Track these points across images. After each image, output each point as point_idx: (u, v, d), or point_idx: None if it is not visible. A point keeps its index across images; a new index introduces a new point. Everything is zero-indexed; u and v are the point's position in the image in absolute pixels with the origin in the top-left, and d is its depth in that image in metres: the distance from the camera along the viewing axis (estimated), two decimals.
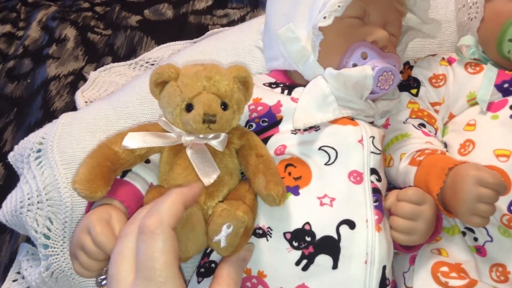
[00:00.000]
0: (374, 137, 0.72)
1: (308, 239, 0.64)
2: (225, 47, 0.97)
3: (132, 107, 0.87)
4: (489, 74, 0.79)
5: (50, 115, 1.14)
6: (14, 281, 0.89)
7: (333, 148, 0.69)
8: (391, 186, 0.80)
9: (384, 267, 0.65)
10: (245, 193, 0.65)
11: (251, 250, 0.64)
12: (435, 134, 0.83)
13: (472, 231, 0.73)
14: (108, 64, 1.19)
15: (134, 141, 0.64)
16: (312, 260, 0.63)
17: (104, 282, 0.61)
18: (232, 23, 1.31)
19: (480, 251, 0.72)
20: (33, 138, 0.85)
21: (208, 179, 0.62)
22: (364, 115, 0.76)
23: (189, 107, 0.63)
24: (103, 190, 0.60)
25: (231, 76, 0.67)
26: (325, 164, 0.69)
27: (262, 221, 0.67)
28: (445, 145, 0.81)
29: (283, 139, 0.72)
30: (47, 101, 1.17)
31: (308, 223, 0.65)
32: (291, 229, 0.65)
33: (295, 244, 0.64)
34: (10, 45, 1.38)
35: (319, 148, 0.70)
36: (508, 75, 0.78)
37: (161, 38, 1.27)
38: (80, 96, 1.08)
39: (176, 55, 1.01)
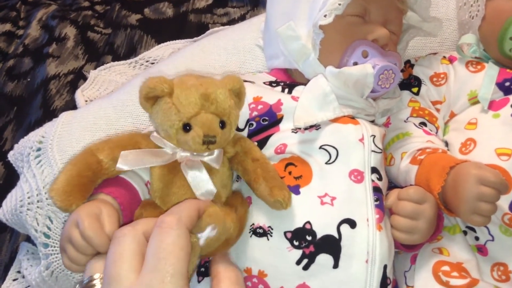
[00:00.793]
0: (375, 136, 0.72)
1: (309, 238, 0.64)
2: (226, 45, 0.96)
3: (132, 106, 0.87)
4: (491, 72, 0.79)
5: (50, 114, 1.14)
6: (14, 280, 0.89)
7: (333, 147, 0.69)
8: (392, 185, 0.80)
9: (385, 266, 0.65)
10: (238, 205, 0.65)
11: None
12: (436, 133, 0.82)
13: (474, 230, 0.73)
14: (108, 63, 1.19)
15: (129, 163, 0.62)
16: (313, 259, 0.63)
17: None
18: (232, 22, 1.31)
19: (481, 250, 0.72)
20: (33, 137, 0.85)
21: (205, 197, 0.62)
22: (365, 113, 0.76)
23: (186, 127, 0.61)
24: (79, 203, 0.59)
25: (226, 89, 0.64)
26: (326, 163, 0.68)
27: (262, 221, 0.66)
28: (446, 144, 0.81)
29: (283, 138, 0.72)
30: (47, 100, 1.17)
31: (308, 222, 0.64)
32: (292, 228, 0.64)
33: (296, 243, 0.64)
34: (10, 44, 1.38)
35: (320, 147, 0.69)
36: (510, 73, 0.78)
37: (161, 37, 1.27)
38: (80, 95, 1.08)
39: (176, 53, 1.01)
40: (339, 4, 0.69)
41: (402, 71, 0.88)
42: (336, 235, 0.64)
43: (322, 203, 0.65)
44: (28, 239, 0.93)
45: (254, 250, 0.65)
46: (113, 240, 0.54)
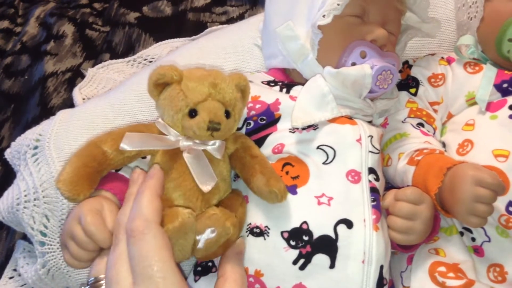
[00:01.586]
0: (372, 136, 0.72)
1: (305, 238, 0.64)
2: (224, 44, 0.96)
3: (130, 104, 0.87)
4: (488, 73, 0.79)
5: (47, 112, 1.13)
6: (10, 278, 0.89)
7: (331, 147, 0.69)
8: (389, 186, 0.80)
9: (381, 267, 0.65)
10: (238, 206, 0.65)
11: (244, 243, 0.64)
12: (434, 133, 0.83)
13: (470, 231, 0.73)
14: (106, 61, 1.19)
15: (133, 143, 0.62)
16: (309, 259, 0.63)
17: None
18: (231, 21, 1.30)
19: (477, 251, 0.72)
20: (30, 134, 0.85)
21: (206, 187, 0.62)
22: (363, 114, 0.76)
23: (192, 113, 0.62)
24: (86, 193, 0.60)
25: (233, 84, 0.66)
26: (323, 163, 0.68)
27: (259, 220, 0.66)
28: (444, 145, 0.81)
29: (281, 137, 0.72)
30: (44, 97, 1.17)
31: (305, 222, 0.64)
32: (289, 228, 0.64)
33: (293, 243, 0.64)
34: (8, 41, 1.37)
35: (317, 147, 0.69)
36: (507, 75, 0.78)
37: (159, 35, 1.26)
38: (77, 93, 1.08)
39: (174, 52, 1.01)
40: (338, 5, 0.69)
41: (400, 71, 0.88)
42: (333, 235, 0.64)
43: (319, 203, 0.65)
44: (25, 237, 0.92)
45: (250, 249, 0.65)
46: (114, 242, 0.54)
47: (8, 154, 0.87)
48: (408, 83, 0.87)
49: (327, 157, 0.69)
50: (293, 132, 0.71)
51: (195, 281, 0.69)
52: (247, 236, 0.66)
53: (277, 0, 0.83)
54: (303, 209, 0.65)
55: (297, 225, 0.64)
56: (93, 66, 1.18)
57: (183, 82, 0.63)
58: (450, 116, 0.84)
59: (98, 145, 0.62)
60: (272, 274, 0.64)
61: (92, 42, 1.31)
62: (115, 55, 1.24)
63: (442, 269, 0.69)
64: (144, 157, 0.69)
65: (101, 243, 0.57)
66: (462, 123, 0.79)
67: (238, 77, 0.68)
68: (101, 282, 0.55)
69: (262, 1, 0.94)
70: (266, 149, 0.72)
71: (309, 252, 0.63)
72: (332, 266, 0.63)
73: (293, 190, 0.66)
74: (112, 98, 0.89)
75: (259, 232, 0.66)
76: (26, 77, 1.24)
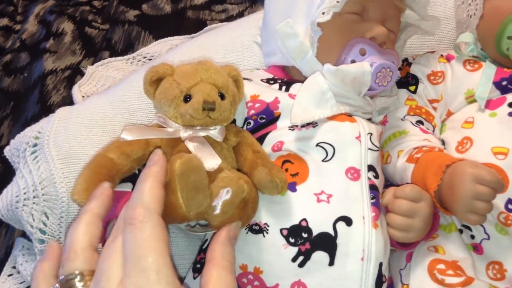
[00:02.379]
0: (372, 134, 0.72)
1: (304, 235, 0.64)
2: (223, 42, 0.96)
3: (129, 101, 0.87)
4: (488, 71, 0.79)
5: (47, 110, 1.14)
6: (9, 275, 0.89)
7: (330, 145, 0.69)
8: (388, 183, 0.80)
9: (380, 264, 0.65)
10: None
11: (239, 227, 0.60)
12: (433, 131, 0.83)
13: (469, 228, 0.73)
14: (105, 58, 1.19)
15: (132, 133, 0.63)
16: (308, 256, 0.63)
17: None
18: (230, 19, 1.31)
19: (476, 248, 0.72)
20: (29, 132, 0.85)
21: (210, 165, 0.61)
22: (362, 111, 0.76)
23: (186, 98, 0.64)
24: None
25: (224, 72, 0.68)
26: (323, 160, 0.68)
27: (259, 217, 0.66)
28: (443, 143, 0.81)
29: (280, 135, 0.72)
30: (44, 95, 1.17)
31: (304, 219, 0.64)
32: (288, 226, 0.64)
33: (292, 240, 0.64)
34: (7, 39, 1.38)
35: (317, 145, 0.69)
36: (507, 72, 0.78)
37: (159, 33, 1.26)
38: (77, 91, 1.08)
39: (174, 49, 1.01)
40: (337, 2, 0.69)
41: (399, 69, 0.88)
42: (332, 233, 0.64)
43: (318, 200, 0.65)
44: (24, 234, 0.92)
45: (249, 246, 0.65)
46: (113, 234, 0.51)
47: (7, 151, 0.87)
48: (408, 81, 0.87)
49: (327, 155, 0.69)
50: (293, 130, 0.71)
51: (194, 278, 0.69)
52: (246, 233, 0.66)
53: None
54: (303, 206, 0.65)
55: (296, 222, 0.64)
56: (92, 64, 1.18)
57: (175, 73, 0.66)
58: (449, 113, 0.84)
59: (103, 154, 0.63)
60: (271, 271, 0.64)
61: (92, 40, 1.31)
62: (114, 53, 1.24)
63: (441, 266, 0.69)
64: None
65: None
66: (462, 121, 0.79)
67: (228, 68, 0.70)
68: (74, 280, 0.49)
69: None
70: (266, 147, 0.71)
71: (308, 249, 0.63)
72: (331, 263, 0.63)
73: (292, 187, 0.66)
74: (112, 95, 0.89)
75: (258, 229, 0.66)
76: (26, 74, 1.24)
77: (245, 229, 0.67)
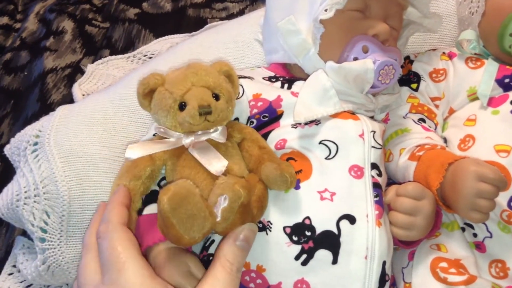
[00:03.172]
0: (375, 132, 0.72)
1: (308, 233, 0.63)
2: (224, 40, 0.96)
3: (130, 100, 0.86)
4: (490, 68, 0.79)
5: (47, 108, 1.13)
6: (9, 274, 0.89)
7: (333, 142, 0.69)
8: (390, 182, 0.80)
9: (384, 263, 0.65)
10: (256, 183, 0.64)
11: (254, 231, 0.62)
12: (435, 129, 0.82)
13: (472, 227, 0.73)
14: (105, 57, 1.18)
15: (136, 151, 0.64)
16: (311, 254, 0.63)
17: None
18: (231, 17, 1.31)
19: (479, 247, 0.72)
20: (30, 131, 0.84)
21: (217, 169, 0.61)
22: (365, 109, 0.76)
23: (182, 106, 0.63)
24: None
25: (215, 70, 0.68)
26: (326, 158, 0.68)
27: None
28: (445, 140, 0.81)
29: (283, 133, 0.72)
30: (44, 93, 1.17)
31: (308, 217, 0.64)
32: (291, 224, 0.64)
33: (295, 238, 0.64)
34: (7, 37, 1.38)
35: (320, 142, 0.69)
36: (509, 70, 0.78)
37: (159, 31, 1.26)
38: (77, 89, 1.07)
39: (175, 48, 1.00)
40: None
41: (401, 67, 0.88)
42: (336, 231, 0.64)
43: (322, 198, 0.65)
44: (24, 233, 0.92)
45: (253, 244, 0.65)
46: (83, 251, 0.61)
47: (7, 150, 0.87)
48: (410, 79, 0.87)
49: (330, 152, 0.68)
50: (295, 128, 0.71)
51: None
52: None
53: None
54: (306, 204, 0.65)
55: (299, 220, 0.64)
56: (92, 62, 1.18)
57: (166, 82, 0.65)
58: (451, 111, 0.83)
59: (117, 183, 0.65)
60: (274, 269, 0.64)
61: (92, 38, 1.31)
62: (114, 51, 1.24)
63: (444, 264, 0.69)
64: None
65: None
66: (464, 119, 0.79)
67: (219, 64, 0.69)
68: None
69: None
70: (269, 145, 0.71)
71: (311, 247, 0.63)
72: (334, 261, 0.63)
73: (296, 184, 0.66)
74: (112, 93, 0.89)
75: (261, 227, 0.65)
76: (26, 73, 1.24)
77: None
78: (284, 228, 0.64)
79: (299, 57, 0.76)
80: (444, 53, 0.87)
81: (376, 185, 0.68)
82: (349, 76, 0.72)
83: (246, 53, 0.93)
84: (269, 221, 0.65)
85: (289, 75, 0.82)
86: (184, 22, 1.31)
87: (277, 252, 0.64)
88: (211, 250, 0.69)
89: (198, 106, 0.62)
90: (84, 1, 1.41)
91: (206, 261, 0.68)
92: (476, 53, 0.84)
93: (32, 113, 1.14)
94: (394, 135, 0.81)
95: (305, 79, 0.75)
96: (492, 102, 0.77)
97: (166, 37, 1.21)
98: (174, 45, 1.12)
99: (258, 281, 0.64)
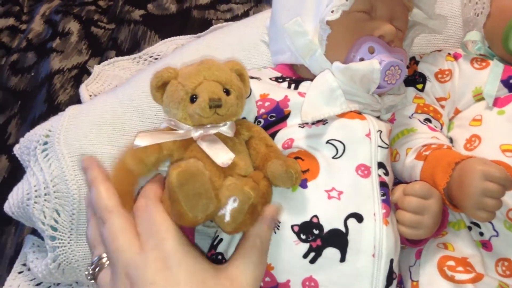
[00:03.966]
0: (381, 131, 0.72)
1: (315, 232, 0.64)
2: (231, 41, 0.97)
3: (138, 100, 0.87)
4: (495, 69, 0.79)
5: (54, 109, 1.14)
6: (19, 273, 0.90)
7: (340, 142, 0.69)
8: (397, 181, 0.80)
9: (391, 261, 0.65)
10: (260, 180, 0.64)
11: (279, 209, 0.65)
12: (441, 129, 0.83)
13: (478, 225, 0.73)
14: (111, 58, 1.19)
15: (145, 140, 0.65)
16: (319, 253, 0.64)
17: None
18: (235, 18, 1.31)
19: (486, 245, 0.73)
20: (39, 130, 0.85)
21: (223, 161, 0.62)
22: (371, 109, 0.76)
23: (193, 99, 0.65)
24: (127, 206, 0.64)
25: (227, 67, 0.69)
26: (333, 157, 0.69)
27: None
28: (451, 140, 0.81)
29: (290, 133, 0.72)
30: (51, 94, 1.18)
31: (315, 216, 0.65)
32: (299, 222, 0.65)
33: (303, 236, 0.64)
34: (14, 38, 1.38)
35: (327, 142, 0.70)
36: None
37: (164, 32, 1.27)
38: (84, 90, 1.08)
39: (181, 49, 1.01)
40: (346, 0, 0.70)
41: (407, 67, 0.88)
42: (343, 229, 0.64)
43: (329, 197, 0.66)
44: (34, 232, 0.93)
45: None
46: (101, 219, 0.61)
47: (17, 149, 0.88)
48: (415, 79, 0.88)
49: (337, 152, 0.69)
50: (303, 127, 0.72)
51: None
52: None
53: None
54: (313, 202, 0.66)
55: (307, 218, 0.65)
56: (98, 63, 1.19)
57: (179, 76, 0.67)
58: (457, 111, 0.84)
59: (121, 167, 0.66)
60: (282, 267, 0.64)
61: (98, 39, 1.32)
62: (120, 52, 1.25)
63: (451, 263, 0.69)
64: None
65: None
66: (469, 119, 0.80)
67: (231, 63, 0.70)
68: (103, 260, 0.61)
69: None
70: (276, 145, 0.72)
71: (319, 245, 0.64)
72: (342, 259, 0.64)
73: (303, 183, 0.67)
74: (121, 94, 0.89)
75: None
76: (33, 74, 1.24)
77: None
78: (292, 226, 0.65)
79: (305, 58, 0.77)
80: (449, 54, 0.88)
81: (383, 184, 0.69)
82: (355, 77, 0.72)
83: (253, 54, 0.94)
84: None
85: (295, 75, 0.83)
86: (189, 23, 1.32)
87: (285, 250, 0.64)
88: (219, 249, 0.69)
89: (208, 99, 0.63)
90: (89, 3, 1.42)
91: (214, 259, 0.69)
92: (481, 54, 0.84)
93: (40, 113, 1.15)
94: (400, 135, 0.82)
95: (311, 80, 0.75)
96: (498, 102, 0.77)
97: (172, 38, 1.22)
98: (180, 46, 1.13)
99: (267, 279, 0.65)
